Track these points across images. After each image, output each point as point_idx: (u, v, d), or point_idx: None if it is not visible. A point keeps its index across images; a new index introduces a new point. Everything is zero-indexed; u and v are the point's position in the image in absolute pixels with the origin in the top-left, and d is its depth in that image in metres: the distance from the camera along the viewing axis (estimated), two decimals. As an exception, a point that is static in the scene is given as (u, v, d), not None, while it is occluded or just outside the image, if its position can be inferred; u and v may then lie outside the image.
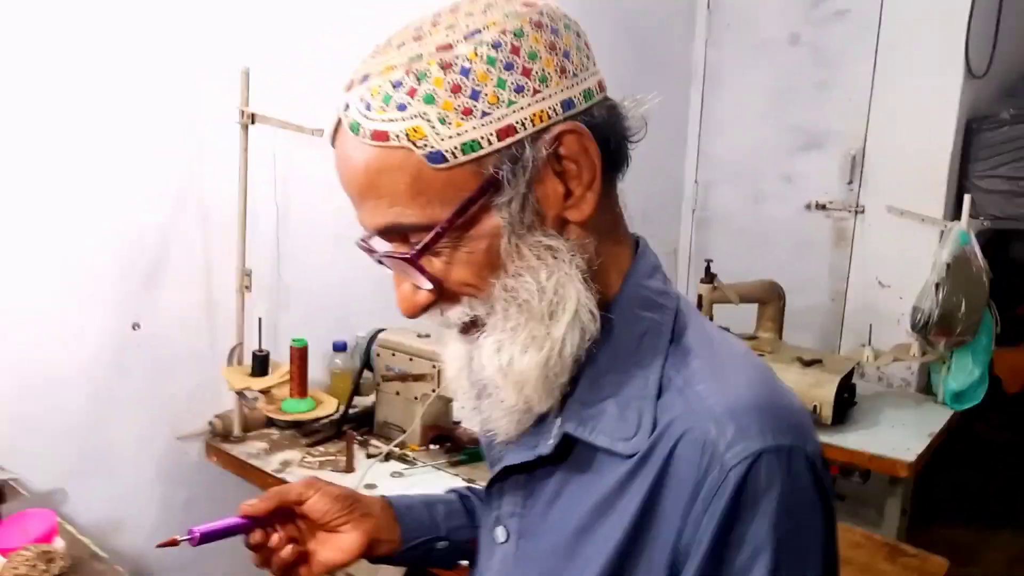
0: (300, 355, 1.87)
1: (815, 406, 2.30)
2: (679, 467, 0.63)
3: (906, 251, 3.07)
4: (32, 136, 1.65)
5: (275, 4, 1.99)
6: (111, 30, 1.71)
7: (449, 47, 0.60)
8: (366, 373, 2.08)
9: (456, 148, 0.61)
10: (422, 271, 0.64)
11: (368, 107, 0.61)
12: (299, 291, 2.17)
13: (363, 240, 0.70)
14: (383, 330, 2.03)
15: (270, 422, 2.05)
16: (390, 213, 0.63)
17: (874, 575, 1.83)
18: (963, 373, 2.47)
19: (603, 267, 0.68)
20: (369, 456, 1.91)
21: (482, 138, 0.61)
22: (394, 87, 0.60)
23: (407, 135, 0.60)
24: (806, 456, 0.63)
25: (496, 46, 0.60)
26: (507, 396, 0.68)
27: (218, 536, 0.81)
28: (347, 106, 0.63)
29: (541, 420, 0.71)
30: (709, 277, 2.58)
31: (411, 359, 1.93)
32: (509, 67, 0.61)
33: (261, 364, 1.90)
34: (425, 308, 0.69)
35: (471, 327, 0.69)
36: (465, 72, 0.60)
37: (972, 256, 2.40)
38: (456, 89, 0.60)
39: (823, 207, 3.37)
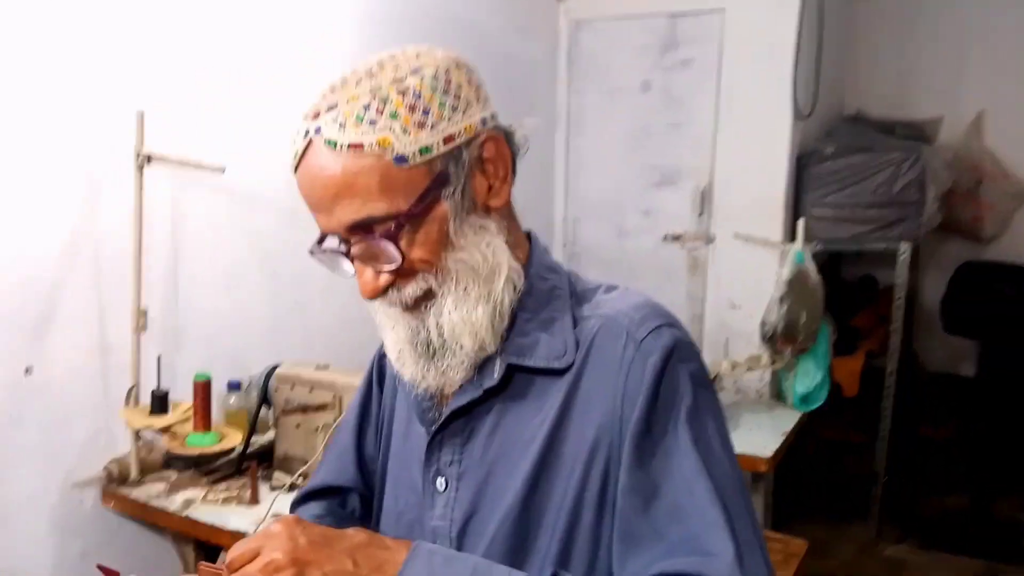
0: (204, 388, 1.90)
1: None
2: (599, 358, 0.85)
3: (753, 274, 3.40)
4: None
5: (169, 46, 2.03)
6: (1, 70, 1.72)
7: (401, 79, 0.80)
8: (263, 410, 2.11)
9: (415, 152, 0.79)
10: (396, 247, 0.80)
11: (342, 126, 0.79)
12: (195, 330, 2.18)
13: (318, 246, 0.86)
14: (279, 365, 2.08)
15: (167, 464, 2.06)
16: (363, 209, 0.80)
17: (744, 559, 2.03)
18: (807, 377, 2.77)
19: (513, 244, 0.90)
20: (273, 488, 1.96)
21: (433, 144, 0.80)
22: (364, 109, 0.79)
23: (378, 144, 0.78)
24: (686, 332, 0.88)
25: (435, 78, 0.81)
26: (466, 343, 0.86)
27: None
28: (319, 129, 0.80)
29: (481, 367, 0.89)
30: (583, 303, 2.78)
31: (311, 390, 2.00)
32: (445, 92, 0.81)
33: (160, 402, 1.91)
34: (385, 289, 0.85)
35: (422, 300, 0.86)
36: (417, 95, 0.80)
37: (808, 272, 2.73)
38: (412, 108, 0.79)
39: (678, 238, 3.66)
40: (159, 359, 1.94)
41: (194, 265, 2.16)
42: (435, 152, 0.81)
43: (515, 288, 0.88)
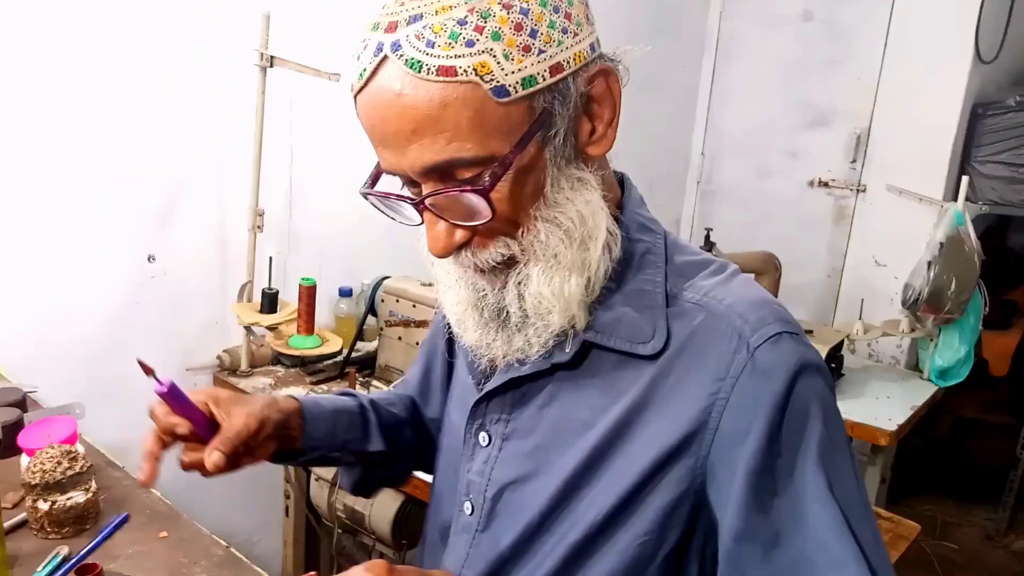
0: (309, 293, 1.93)
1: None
2: (697, 356, 0.72)
3: (904, 232, 3.12)
4: (54, 75, 1.69)
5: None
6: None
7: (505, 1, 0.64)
8: (370, 319, 2.15)
9: (517, 83, 0.65)
10: (488, 200, 0.66)
11: (431, 44, 0.63)
12: (309, 235, 2.23)
13: (372, 186, 0.74)
14: (388, 277, 2.09)
15: (276, 360, 2.13)
16: (448, 149, 0.65)
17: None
18: (949, 350, 2.53)
19: (607, 198, 0.75)
20: (370, 396, 1.99)
21: (538, 74, 0.65)
22: (460, 25, 0.63)
23: (475, 70, 0.63)
24: (807, 341, 0.73)
25: None
26: (554, 320, 0.73)
27: (176, 406, 0.84)
28: (397, 46, 0.64)
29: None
30: (708, 245, 2.64)
31: (414, 306, 2.00)
32: (556, 10, 0.66)
33: (270, 302, 1.96)
34: (459, 248, 0.72)
35: (501, 266, 0.73)
36: (524, 12, 0.64)
37: (966, 237, 2.46)
38: (518, 28, 0.64)
39: (826, 184, 3.42)
40: (270, 260, 1.98)
41: (311, 171, 2.19)
42: (540, 84, 0.65)
43: (611, 255, 0.74)
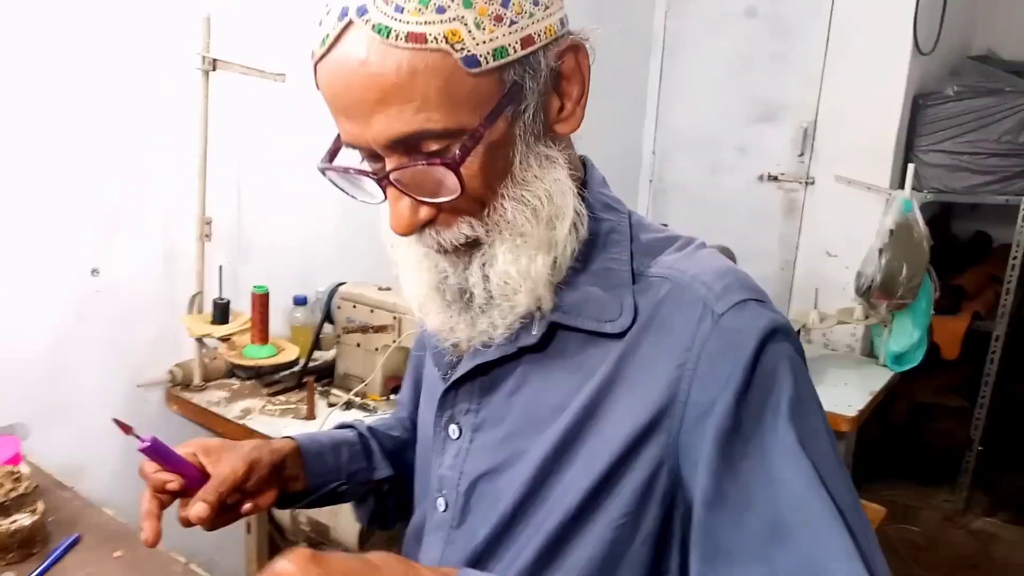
0: (262, 301, 1.88)
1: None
2: (663, 328, 0.70)
3: (853, 222, 3.18)
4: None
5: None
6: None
7: None
8: (326, 327, 2.10)
9: (488, 53, 0.62)
10: (458, 175, 0.64)
11: (399, 9, 0.60)
12: (260, 243, 2.17)
13: (329, 161, 0.71)
14: (343, 283, 2.05)
15: (231, 372, 2.07)
16: (416, 119, 0.62)
17: (814, 519, 1.93)
18: (903, 335, 2.58)
19: (573, 177, 0.73)
20: (330, 405, 1.94)
21: (510, 45, 0.63)
22: None
23: (445, 37, 0.60)
24: (774, 307, 0.71)
25: None
26: (520, 301, 0.71)
27: (163, 461, 0.80)
28: (363, 10, 0.61)
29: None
30: (664, 240, 2.65)
31: (372, 311, 1.96)
32: None
33: (222, 312, 1.91)
34: (422, 227, 0.69)
35: (465, 247, 0.71)
36: None
37: (914, 223, 2.50)
38: None
39: (775, 178, 3.46)
40: (220, 269, 1.93)
41: (262, 177, 2.14)
42: (511, 56, 0.63)
43: (578, 235, 0.72)
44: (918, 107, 3.16)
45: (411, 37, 0.60)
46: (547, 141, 0.70)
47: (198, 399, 1.95)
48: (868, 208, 3.10)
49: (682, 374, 0.68)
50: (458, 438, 0.81)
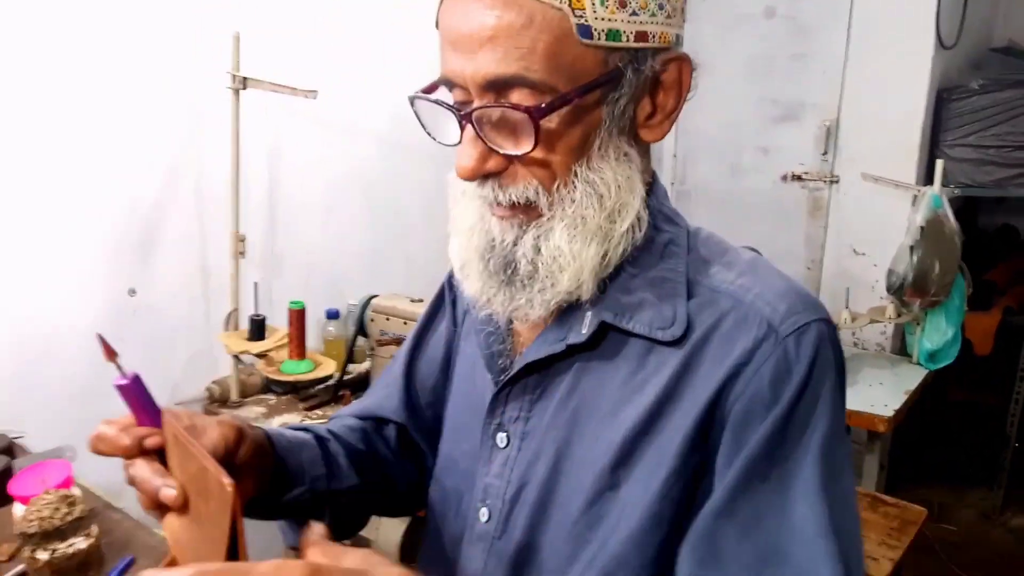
0: (298, 317, 1.89)
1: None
2: (724, 344, 0.70)
3: (879, 219, 3.16)
4: (26, 105, 1.64)
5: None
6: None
7: None
8: (360, 339, 2.10)
9: (603, 31, 0.65)
10: (537, 128, 0.65)
11: None
12: (293, 258, 2.19)
13: (418, 94, 0.71)
14: (376, 296, 2.05)
15: (266, 387, 2.08)
16: (518, 64, 0.64)
17: (857, 522, 1.91)
18: (937, 333, 2.55)
19: (644, 183, 0.75)
20: (366, 418, 1.94)
21: (624, 32, 0.66)
22: None
23: (570, 1, 0.63)
24: (834, 327, 0.72)
25: None
26: (563, 280, 0.71)
27: (138, 409, 0.70)
28: None
29: (564, 316, 0.75)
30: (692, 244, 2.64)
31: (405, 323, 1.96)
32: None
33: (258, 328, 1.92)
34: (487, 175, 0.70)
35: (521, 211, 0.71)
36: None
37: (945, 219, 2.48)
38: None
39: (799, 178, 3.44)
40: (256, 285, 1.94)
41: (293, 193, 2.15)
42: (622, 42, 0.66)
43: (634, 237, 0.73)
44: (942, 101, 3.13)
45: None
46: (630, 139, 0.72)
47: (236, 415, 1.96)
48: (894, 205, 3.08)
49: (734, 388, 0.68)
50: (506, 446, 0.79)
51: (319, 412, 1.98)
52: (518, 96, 0.66)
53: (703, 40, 3.60)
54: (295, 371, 1.92)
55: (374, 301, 2.04)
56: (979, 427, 3.41)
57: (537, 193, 0.70)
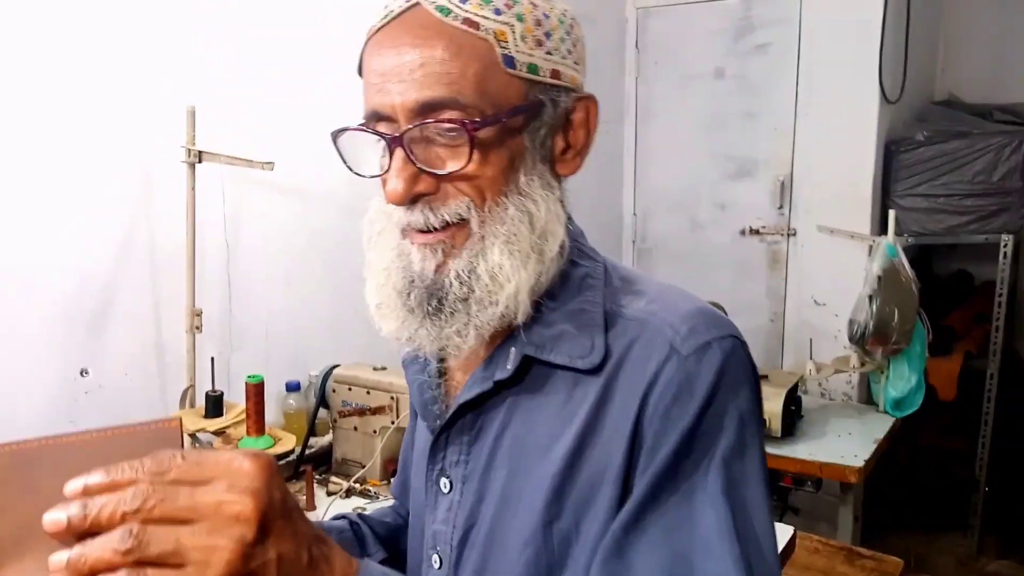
0: (256, 391, 1.84)
1: (764, 420, 2.36)
2: (635, 369, 0.71)
3: (837, 270, 3.21)
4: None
5: (219, 41, 2.00)
6: (52, 69, 1.70)
7: (534, 0, 0.72)
8: (321, 411, 2.05)
9: (524, 63, 0.70)
10: (472, 144, 0.68)
11: (463, 0, 0.69)
12: (251, 331, 2.14)
13: (344, 127, 0.74)
14: (337, 366, 2.01)
15: (226, 466, 2.01)
16: (449, 88, 0.68)
17: (834, 578, 1.88)
18: (901, 380, 2.57)
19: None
20: (329, 494, 1.88)
21: (541, 67, 0.71)
22: None
23: (495, 33, 0.69)
24: (742, 342, 0.73)
25: (564, 15, 0.74)
26: (501, 298, 0.72)
27: None
28: None
29: (492, 356, 0.77)
30: (655, 301, 2.64)
31: (368, 392, 1.92)
32: (568, 34, 0.74)
33: (215, 405, 1.86)
34: (416, 198, 0.71)
35: (451, 234, 0.72)
36: (545, 16, 0.72)
37: (901, 268, 2.52)
38: (538, 23, 0.71)
39: (757, 232, 3.49)
40: (212, 360, 1.89)
41: (250, 264, 2.12)
42: (540, 76, 0.71)
43: (563, 258, 0.76)
44: (891, 153, 3.23)
45: (466, 22, 0.68)
46: (552, 171, 0.76)
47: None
48: (851, 255, 3.14)
49: (646, 411, 0.70)
50: (449, 491, 0.80)
51: (281, 489, 1.92)
52: (449, 116, 0.68)
53: (657, 99, 3.69)
54: (253, 448, 1.86)
55: (336, 371, 2.00)
56: (948, 472, 3.42)
57: (469, 209, 0.71)
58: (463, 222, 0.71)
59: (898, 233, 2.74)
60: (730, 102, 3.48)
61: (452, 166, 0.70)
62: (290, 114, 2.15)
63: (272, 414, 2.14)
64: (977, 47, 3.96)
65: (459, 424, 0.79)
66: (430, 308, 0.73)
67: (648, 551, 0.67)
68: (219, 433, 1.88)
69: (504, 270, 0.71)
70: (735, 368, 0.71)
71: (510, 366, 0.75)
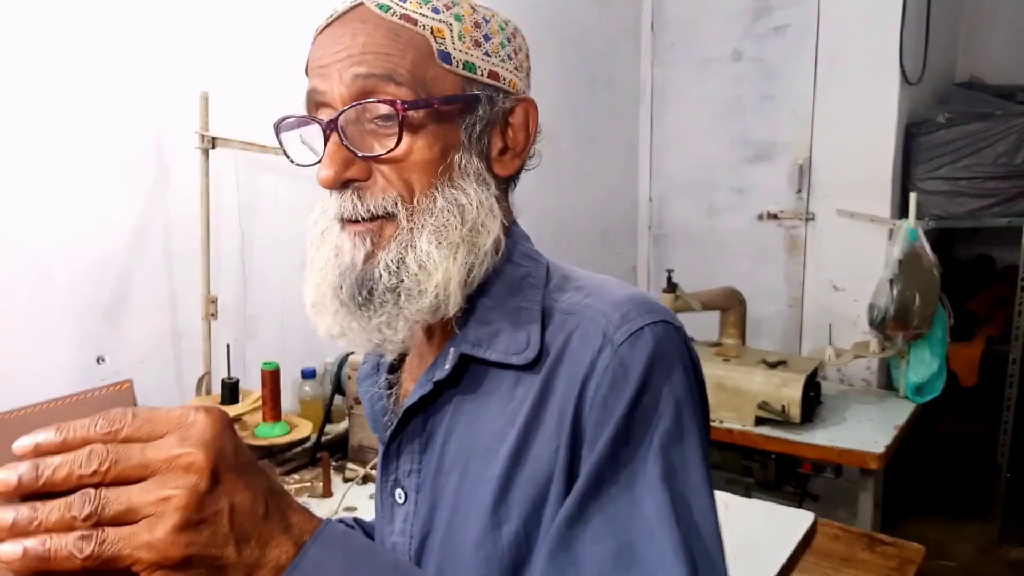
0: (272, 378, 1.84)
1: (783, 406, 2.33)
2: (572, 362, 0.71)
3: (857, 255, 3.17)
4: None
5: (232, 27, 1.99)
6: (66, 57, 1.69)
7: (476, 3, 0.75)
8: (338, 398, 2.05)
9: (461, 61, 0.72)
10: (402, 125, 0.69)
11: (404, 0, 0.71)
12: (266, 318, 2.14)
13: (280, 119, 0.77)
14: (352, 353, 2.01)
15: (242, 453, 2.01)
16: (385, 66, 0.69)
17: (855, 565, 1.86)
18: (922, 366, 2.53)
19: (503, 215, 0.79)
20: (346, 480, 1.88)
21: (479, 67, 0.74)
22: None
23: (432, 30, 0.71)
24: (676, 327, 0.73)
25: (505, 23, 0.77)
26: (429, 288, 0.71)
27: None
28: None
29: (436, 360, 0.77)
30: (671, 287, 2.62)
31: (384, 379, 1.91)
32: (509, 41, 0.77)
33: (231, 391, 1.86)
34: (347, 183, 0.71)
35: (379, 224, 0.72)
36: (485, 20, 0.75)
37: (922, 251, 2.49)
38: (476, 25, 0.74)
39: (775, 216, 3.45)
40: (228, 347, 1.89)
41: (265, 251, 2.11)
42: (476, 75, 0.73)
43: (492, 261, 0.75)
44: (911, 136, 3.18)
45: (404, 18, 0.71)
46: (488, 168, 0.76)
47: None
48: (871, 240, 3.10)
49: (584, 403, 0.69)
50: (404, 502, 0.79)
51: (296, 476, 1.92)
52: (383, 97, 0.69)
53: (673, 83, 3.65)
54: (269, 435, 1.86)
55: (351, 358, 2.00)
56: (970, 458, 3.38)
57: (396, 205, 0.71)
58: (390, 216, 0.72)
59: (919, 217, 2.70)
60: (748, 85, 3.44)
61: (382, 148, 0.70)
62: (303, 99, 2.13)
63: (288, 401, 2.14)
64: (999, 27, 3.89)
65: (408, 432, 0.79)
66: (360, 299, 0.72)
67: (593, 542, 0.67)
68: (235, 420, 1.88)
69: (432, 258, 0.71)
70: (669, 352, 0.70)
71: (448, 365, 0.74)
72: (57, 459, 0.48)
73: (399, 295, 0.72)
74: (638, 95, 3.71)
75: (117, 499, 0.48)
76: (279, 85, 2.07)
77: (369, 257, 0.72)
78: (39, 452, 0.48)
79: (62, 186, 1.72)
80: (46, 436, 0.49)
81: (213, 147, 1.80)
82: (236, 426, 1.85)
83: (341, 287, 0.73)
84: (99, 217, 1.78)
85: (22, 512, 0.47)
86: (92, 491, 0.47)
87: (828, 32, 3.21)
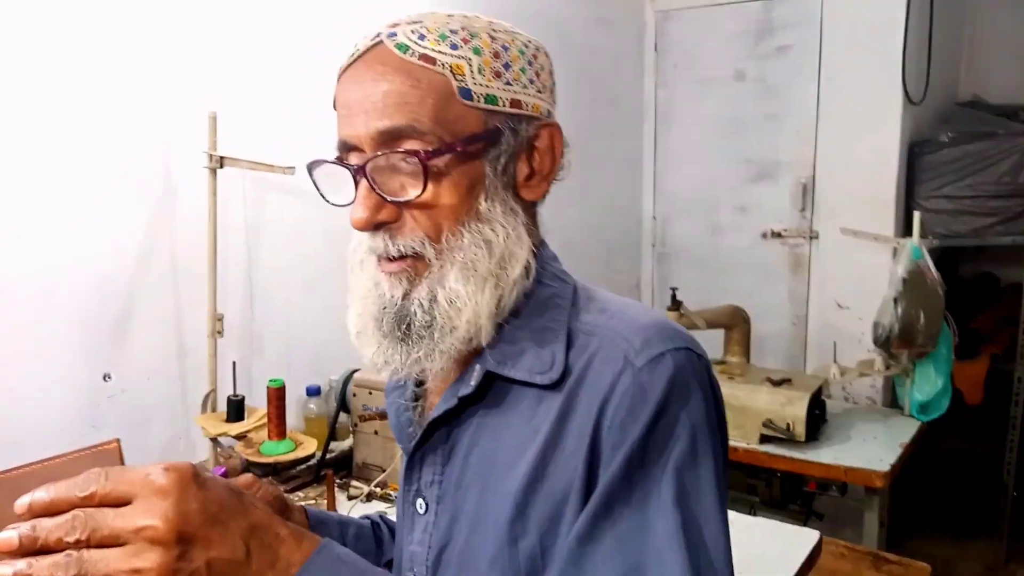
0: (278, 395, 1.84)
1: (788, 424, 2.33)
2: (594, 384, 0.72)
3: (860, 273, 3.17)
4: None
5: (241, 47, 2.01)
6: (76, 76, 1.71)
7: (495, 31, 0.76)
8: (342, 415, 2.06)
9: (482, 95, 0.73)
10: (426, 173, 0.71)
11: (422, 37, 0.72)
12: (272, 335, 2.15)
13: (317, 159, 0.78)
14: (357, 370, 2.01)
15: (246, 469, 2.01)
16: (408, 117, 0.71)
17: (861, 584, 1.86)
18: (927, 384, 2.53)
19: (532, 238, 0.80)
20: (350, 498, 1.88)
21: (500, 98, 0.74)
22: (451, 32, 0.73)
23: (451, 68, 0.72)
24: (698, 354, 0.74)
25: (526, 46, 0.77)
26: (460, 325, 0.74)
27: None
28: (393, 34, 0.73)
29: (463, 374, 0.78)
30: (675, 304, 2.63)
31: (389, 396, 1.92)
32: (530, 64, 0.77)
33: (236, 409, 1.87)
34: (378, 226, 0.74)
35: (409, 264, 0.75)
36: (505, 48, 0.75)
37: (926, 270, 2.49)
38: (496, 55, 0.74)
39: (778, 235, 3.46)
40: (234, 364, 1.90)
41: (271, 269, 2.13)
42: (499, 107, 0.74)
43: (522, 288, 0.77)
44: (914, 155, 3.19)
45: (423, 58, 0.72)
46: (515, 197, 0.77)
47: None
48: (874, 258, 3.10)
49: (603, 425, 0.71)
50: (425, 512, 0.81)
51: (301, 494, 1.92)
52: (408, 145, 0.71)
53: (676, 102, 3.67)
54: (275, 452, 1.86)
55: (356, 375, 2.00)
56: (976, 476, 3.36)
57: (424, 244, 0.74)
58: (419, 255, 0.74)
59: (922, 235, 2.71)
60: (750, 105, 3.46)
61: (410, 194, 0.72)
62: (311, 119, 2.15)
63: (293, 418, 2.15)
64: (1001, 47, 3.90)
65: (431, 443, 0.80)
66: (400, 333, 0.75)
67: (603, 561, 0.68)
68: (240, 437, 1.89)
69: (461, 296, 0.74)
70: (688, 378, 0.71)
71: (473, 382, 0.76)
72: (50, 523, 0.53)
73: (433, 332, 0.74)
74: (642, 115, 3.73)
75: (98, 560, 0.53)
76: (287, 105, 2.09)
77: (406, 295, 0.75)
78: (32, 509, 0.54)
79: (71, 204, 1.74)
80: (39, 495, 0.54)
81: (221, 166, 1.82)
82: (241, 444, 1.86)
83: (382, 320, 0.76)
84: (107, 234, 1.80)
85: (19, 567, 0.52)
86: (75, 553, 0.52)
87: (831, 52, 3.23)
